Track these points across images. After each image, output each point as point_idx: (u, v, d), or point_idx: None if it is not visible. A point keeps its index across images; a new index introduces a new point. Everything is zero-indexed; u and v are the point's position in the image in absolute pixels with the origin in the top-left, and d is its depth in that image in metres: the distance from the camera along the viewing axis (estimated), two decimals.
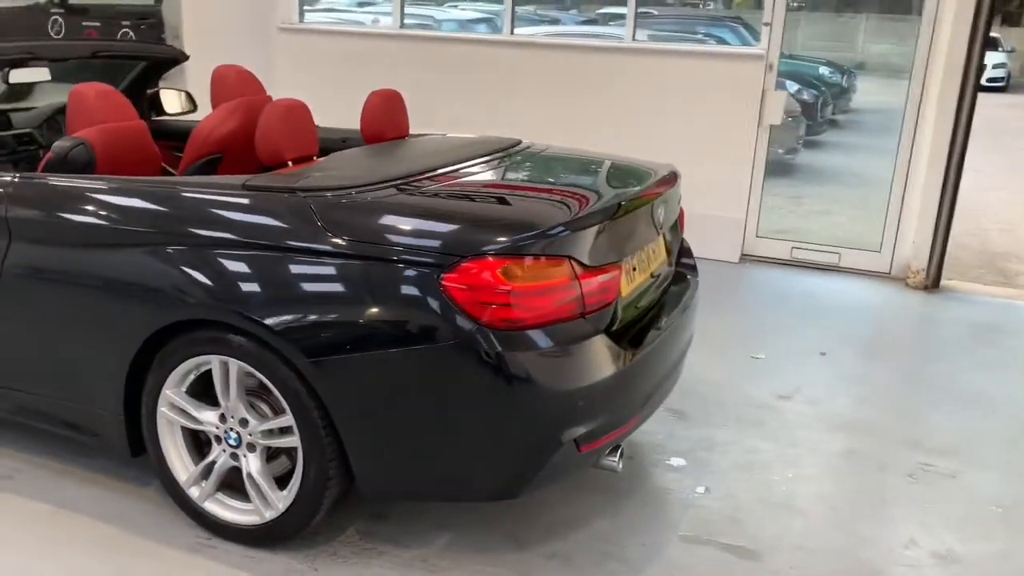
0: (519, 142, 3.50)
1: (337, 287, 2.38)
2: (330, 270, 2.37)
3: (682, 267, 3.34)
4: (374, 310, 2.32)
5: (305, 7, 7.14)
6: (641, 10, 6.19)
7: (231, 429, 2.57)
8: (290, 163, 2.93)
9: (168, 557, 2.58)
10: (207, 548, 2.63)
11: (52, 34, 7.39)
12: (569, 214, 2.50)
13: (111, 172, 2.90)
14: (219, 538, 2.66)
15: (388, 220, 2.43)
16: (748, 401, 3.84)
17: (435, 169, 2.85)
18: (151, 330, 2.53)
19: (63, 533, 2.70)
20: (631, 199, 2.71)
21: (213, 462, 2.63)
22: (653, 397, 2.83)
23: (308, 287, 2.41)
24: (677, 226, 3.26)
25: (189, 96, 4.65)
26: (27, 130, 4.02)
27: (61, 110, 3.99)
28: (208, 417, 2.60)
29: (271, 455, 2.61)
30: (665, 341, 2.83)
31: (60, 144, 2.93)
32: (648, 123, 6.04)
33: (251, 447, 2.57)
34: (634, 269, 2.75)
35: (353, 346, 2.33)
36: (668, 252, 3.13)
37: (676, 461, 3.30)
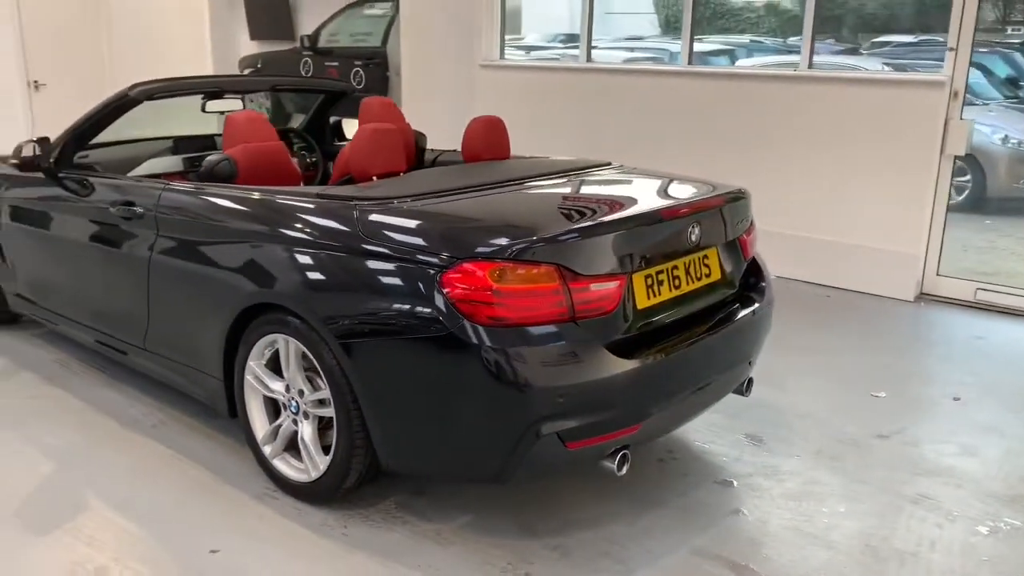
0: (607, 163, 3.73)
1: (365, 281, 2.76)
2: (361, 266, 2.77)
3: (748, 289, 3.35)
4: (390, 303, 2.67)
5: (508, 44, 7.72)
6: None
7: (292, 398, 3.04)
8: (374, 177, 3.39)
9: (238, 500, 3.10)
10: (269, 497, 3.11)
11: (303, 73, 8.62)
12: (561, 226, 2.70)
13: (252, 183, 3.52)
14: (280, 491, 3.13)
15: (410, 225, 2.78)
16: (838, 436, 3.70)
17: (486, 184, 3.16)
18: (238, 309, 3.08)
19: (175, 472, 3.31)
20: (647, 215, 2.85)
21: (280, 425, 3.12)
22: (671, 409, 2.91)
23: (343, 280, 2.81)
24: (737, 246, 3.28)
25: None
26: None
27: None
28: (277, 387, 3.09)
29: (325, 425, 3.04)
30: (690, 357, 2.91)
31: (210, 159, 3.62)
32: (820, 151, 5.89)
33: (306, 415, 3.02)
34: (658, 283, 2.86)
35: (371, 333, 2.71)
36: (721, 272, 3.17)
37: (727, 481, 3.30)
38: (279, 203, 3.11)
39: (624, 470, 2.78)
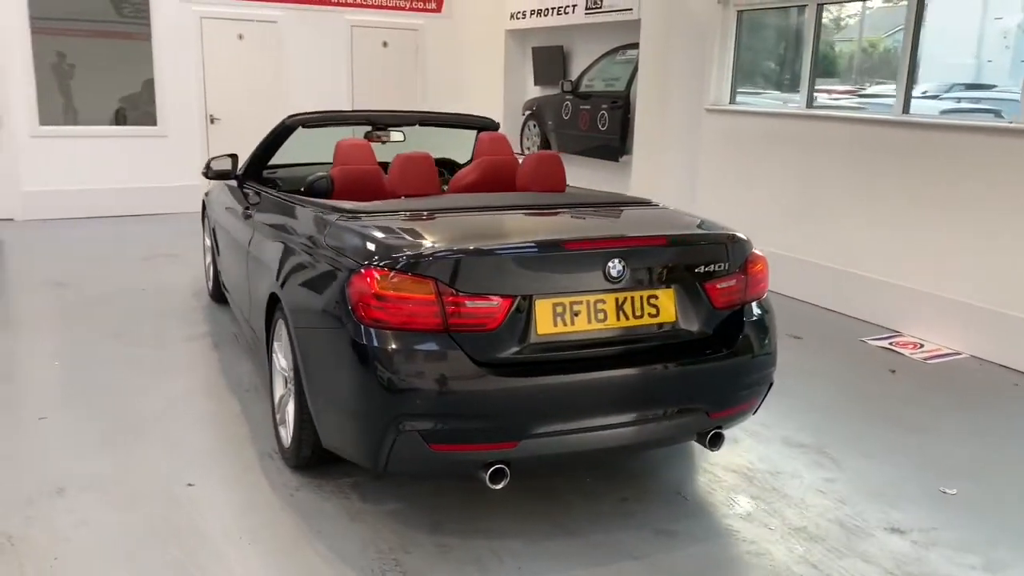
0: (646, 201, 3.80)
1: (315, 277, 3.23)
2: (316, 264, 3.24)
3: (722, 338, 3.20)
4: (322, 299, 3.11)
5: (740, 89, 7.62)
6: None
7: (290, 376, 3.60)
8: (403, 196, 3.84)
9: (243, 456, 3.71)
10: (267, 457, 3.69)
11: (563, 114, 9.29)
12: (443, 246, 2.91)
13: (346, 199, 4.18)
14: (278, 455, 3.69)
15: (353, 235, 3.18)
16: (845, 523, 3.31)
17: (468, 208, 3.46)
18: (266, 297, 3.72)
19: (223, 420, 4.04)
20: (542, 245, 2.97)
21: (283, 396, 3.69)
22: (572, 438, 2.95)
23: (306, 275, 3.31)
24: (701, 292, 3.16)
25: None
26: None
27: (439, 163, 5.47)
28: (284, 364, 3.67)
29: None
30: (593, 389, 2.94)
31: (311, 177, 4.35)
32: None
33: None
34: (573, 313, 2.94)
35: (308, 322, 3.17)
36: (677, 315, 3.10)
37: (666, 530, 3.19)
38: (294, 208, 3.70)
39: (500, 485, 2.89)
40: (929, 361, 5.32)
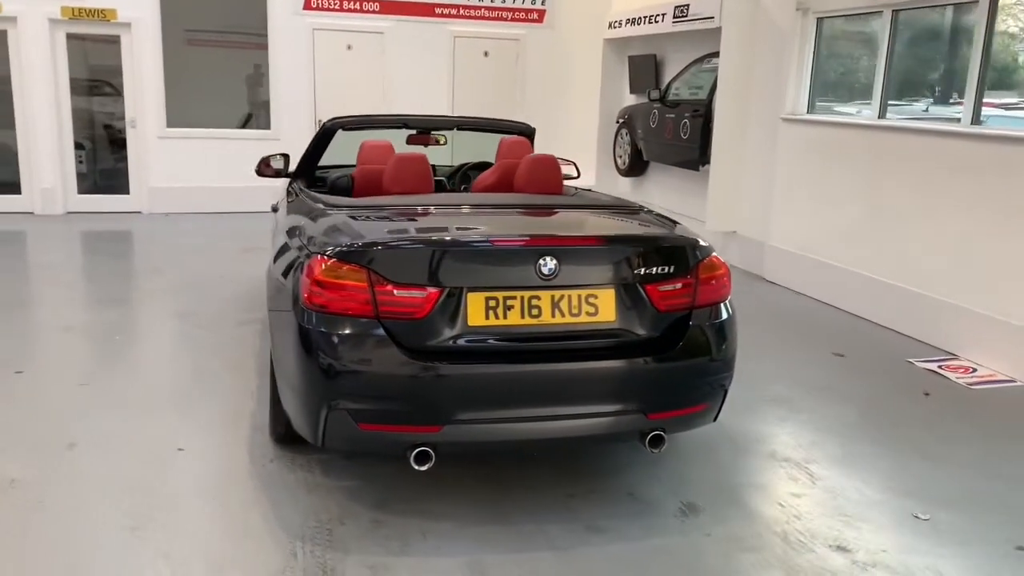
0: (634, 206, 3.87)
1: (286, 265, 3.48)
2: (289, 255, 3.51)
3: (665, 341, 3.23)
4: (288, 283, 3.37)
5: (822, 97, 7.39)
6: None
7: None
8: (397, 194, 4.07)
9: (238, 428, 4.03)
10: (257, 432, 3.97)
11: (650, 123, 9.32)
12: (378, 238, 3.09)
13: (366, 196, 4.46)
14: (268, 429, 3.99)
15: (322, 226, 3.41)
16: (789, 537, 3.25)
17: (439, 205, 3.65)
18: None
19: (230, 403, 4.38)
20: (471, 241, 3.10)
21: None
22: (497, 426, 3.08)
23: (280, 264, 3.57)
24: (643, 294, 3.19)
25: (575, 165, 5.83)
26: (441, 178, 5.86)
27: (475, 166, 5.70)
28: None
29: None
30: (519, 380, 3.06)
31: (334, 175, 4.65)
32: None
33: None
34: (506, 307, 3.06)
35: (276, 304, 3.45)
36: (618, 315, 3.15)
37: (598, 527, 3.24)
38: (304, 204, 3.99)
39: (424, 467, 3.04)
40: (974, 387, 5.01)
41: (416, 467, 3.05)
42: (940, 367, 5.33)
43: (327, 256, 3.07)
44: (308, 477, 3.56)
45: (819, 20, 7.23)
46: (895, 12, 6.35)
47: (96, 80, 10.46)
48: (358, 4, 10.51)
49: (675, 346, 3.22)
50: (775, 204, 7.58)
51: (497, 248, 3.16)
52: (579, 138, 11.36)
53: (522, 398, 3.11)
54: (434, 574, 2.90)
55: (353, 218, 3.44)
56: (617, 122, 10.63)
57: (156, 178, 10.29)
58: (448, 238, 3.23)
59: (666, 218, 3.80)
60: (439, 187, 5.59)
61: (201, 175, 10.36)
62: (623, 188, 11.07)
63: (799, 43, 7.31)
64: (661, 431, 3.25)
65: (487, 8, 10.92)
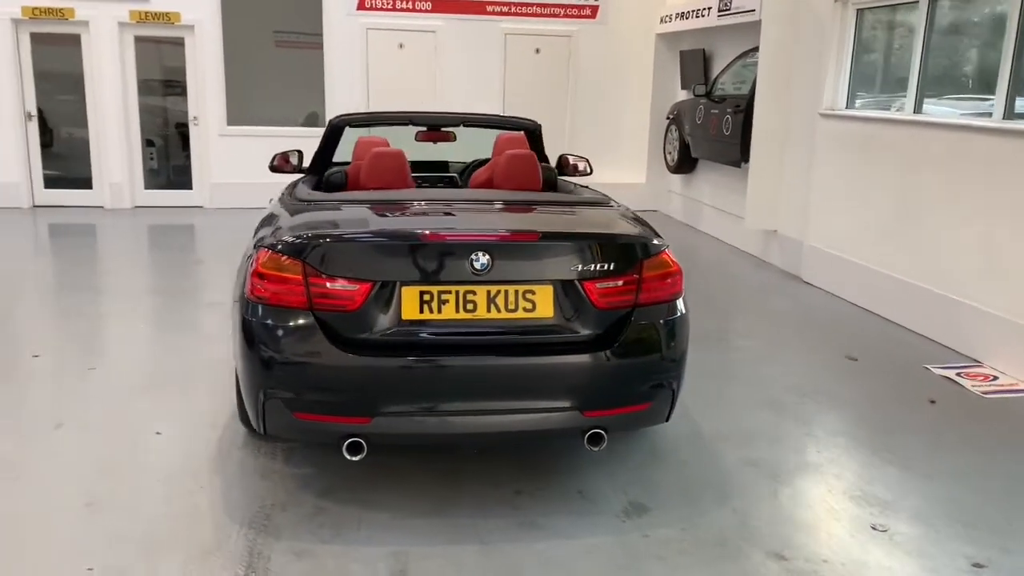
0: (606, 202, 3.85)
1: (245, 258, 3.58)
2: (250, 248, 3.62)
3: (604, 340, 3.19)
4: (240, 275, 3.46)
5: (860, 92, 7.12)
6: None
7: None
8: (372, 189, 4.13)
9: (218, 415, 4.16)
10: (235, 420, 4.06)
11: (696, 119, 9.19)
12: (313, 232, 3.16)
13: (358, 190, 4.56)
14: None
15: (272, 222, 3.50)
16: (728, 542, 3.18)
17: (402, 201, 3.69)
18: None
19: (218, 391, 4.53)
20: (402, 234, 3.16)
21: None
22: (428, 419, 3.12)
23: (244, 255, 3.67)
24: (582, 291, 3.16)
25: (588, 162, 5.79)
26: (453, 174, 5.90)
27: (484, 162, 5.74)
28: None
29: None
30: (449, 375, 3.09)
31: (330, 171, 4.76)
32: None
33: None
34: (441, 302, 3.09)
35: (234, 295, 3.56)
36: (556, 311, 3.14)
37: (532, 523, 3.24)
38: (283, 195, 4.09)
39: (356, 458, 3.10)
40: (988, 395, 4.76)
41: (349, 457, 3.11)
42: (959, 374, 5.08)
43: (267, 248, 3.16)
44: (267, 464, 3.67)
45: (860, 12, 6.96)
46: (932, 2, 6.06)
47: (169, 80, 10.95)
48: (410, 3, 10.66)
49: (613, 344, 3.19)
50: (812, 203, 7.34)
51: (430, 243, 3.19)
52: (632, 135, 11.26)
53: (453, 392, 3.13)
54: (356, 563, 2.96)
55: (304, 212, 3.52)
56: (667, 119, 10.47)
57: (217, 174, 10.70)
58: (380, 232, 3.28)
59: (636, 217, 3.72)
60: (451, 183, 5.66)
61: (260, 171, 10.68)
62: (673, 186, 10.91)
63: (838, 35, 7.05)
64: (602, 429, 3.22)
65: (539, 5, 10.91)
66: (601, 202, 3.94)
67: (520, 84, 11.04)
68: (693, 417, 4.30)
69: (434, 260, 3.15)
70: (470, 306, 3.11)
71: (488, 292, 3.12)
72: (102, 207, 10.57)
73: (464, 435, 3.30)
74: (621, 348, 3.19)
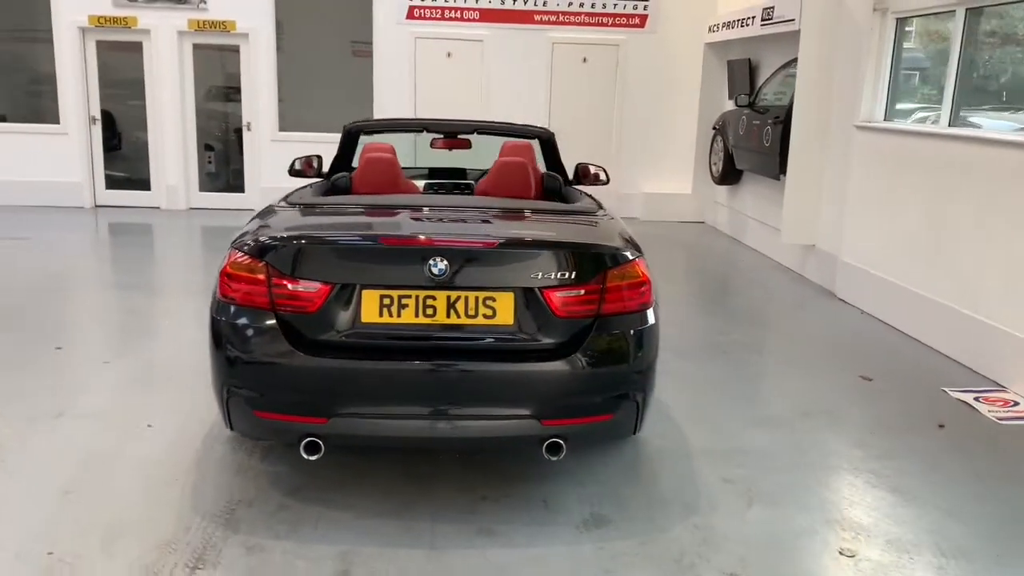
0: (596, 210, 3.85)
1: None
2: None
3: (564, 348, 3.17)
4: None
5: (900, 105, 6.90)
6: None
7: None
8: (365, 194, 4.21)
9: (209, 411, 4.24)
10: None
11: (739, 130, 9.06)
12: (277, 234, 3.22)
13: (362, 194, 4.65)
14: None
15: (256, 222, 3.59)
16: (682, 559, 3.12)
17: (385, 206, 3.74)
18: None
19: None
20: (362, 238, 3.18)
21: None
22: (385, 422, 3.15)
23: None
24: (542, 300, 3.15)
25: (604, 171, 5.77)
26: (469, 181, 5.93)
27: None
28: None
29: None
30: (405, 380, 3.12)
31: (337, 175, 4.85)
32: None
33: None
34: (401, 306, 3.13)
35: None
36: (516, 319, 3.14)
37: (487, 530, 3.24)
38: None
39: (314, 457, 3.16)
40: (1003, 422, 4.55)
41: (306, 456, 3.17)
42: (977, 398, 4.86)
43: (236, 249, 3.25)
44: (244, 460, 3.76)
45: (899, 21, 6.75)
46: (968, 11, 5.84)
47: (231, 87, 11.32)
48: (459, 13, 10.78)
49: (573, 353, 3.16)
50: (847, 218, 7.13)
51: (389, 248, 3.23)
52: (680, 146, 11.14)
53: (410, 396, 3.16)
54: (302, 560, 3.00)
55: (280, 214, 3.60)
56: (713, 129, 10.32)
57: (268, 178, 10.98)
58: (340, 236, 3.33)
59: (619, 228, 3.67)
60: (467, 190, 5.69)
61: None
62: (720, 198, 10.73)
63: (877, 45, 6.85)
64: (561, 439, 3.20)
65: (587, 14, 10.90)
66: (588, 212, 3.91)
67: (567, 93, 11.05)
68: (682, 431, 4.23)
69: (393, 264, 3.19)
70: (430, 311, 3.13)
71: (448, 298, 3.13)
72: (158, 208, 10.97)
73: (421, 439, 3.32)
74: (581, 357, 3.16)
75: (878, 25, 6.84)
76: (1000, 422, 4.54)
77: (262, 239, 3.24)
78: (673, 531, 3.29)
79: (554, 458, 3.23)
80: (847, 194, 7.13)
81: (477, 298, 3.14)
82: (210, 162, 11.54)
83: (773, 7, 8.41)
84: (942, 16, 6.40)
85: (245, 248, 3.22)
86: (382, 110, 10.87)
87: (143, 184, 11.07)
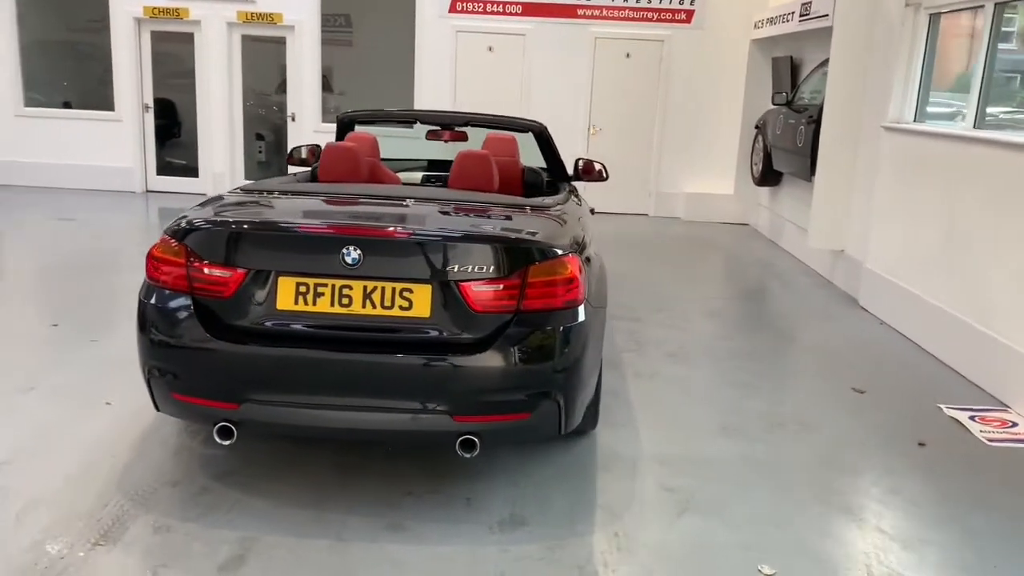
0: (548, 207, 3.82)
1: None
2: None
3: (482, 343, 3.10)
4: None
5: (932, 105, 6.55)
6: None
7: None
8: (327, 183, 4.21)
9: None
10: None
11: (776, 129, 8.77)
12: (197, 217, 3.24)
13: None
14: None
15: (198, 206, 3.61)
16: (585, 570, 3.02)
17: (339, 195, 3.75)
18: None
19: None
20: (276, 225, 3.19)
21: None
22: (293, 410, 3.14)
23: None
24: (457, 293, 3.08)
25: (605, 168, 5.67)
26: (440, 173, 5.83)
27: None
28: None
29: None
30: (312, 368, 3.10)
31: (315, 164, 4.88)
32: None
33: None
34: (317, 294, 3.11)
35: None
36: (433, 311, 3.09)
37: (403, 524, 3.20)
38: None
39: (227, 443, 3.17)
40: (993, 443, 4.26)
41: (219, 441, 3.18)
42: (972, 417, 4.57)
43: (164, 233, 3.29)
44: (186, 441, 3.81)
45: (932, 17, 6.40)
46: (997, 5, 5.49)
47: (283, 78, 11.56)
48: (501, 7, 10.74)
49: (487, 349, 3.09)
50: (873, 223, 6.81)
51: (303, 235, 3.21)
52: (723, 145, 10.86)
53: (322, 385, 3.14)
54: (200, 542, 3.02)
55: (218, 200, 3.62)
56: (755, 128, 10.01)
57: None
58: (255, 222, 3.33)
59: (560, 224, 3.56)
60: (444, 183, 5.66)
61: None
62: (762, 199, 10.40)
63: (908, 43, 6.52)
64: (475, 436, 3.13)
65: (631, 9, 10.71)
66: (540, 207, 3.81)
67: (608, 89, 10.89)
68: (639, 435, 4.11)
69: (309, 252, 3.17)
70: (345, 300, 3.11)
71: (364, 287, 3.10)
72: (205, 194, 11.26)
73: (333, 430, 3.29)
74: (496, 354, 3.09)
75: (910, 20, 6.50)
76: (990, 443, 4.25)
77: (184, 223, 3.27)
78: (590, 538, 3.19)
79: (468, 455, 3.16)
80: (873, 198, 6.81)
81: (394, 289, 3.10)
82: (260, 151, 11.81)
83: (811, 2, 8.10)
84: (979, 10, 6.04)
85: (169, 231, 3.25)
86: (422, 103, 10.92)
87: (192, 171, 11.39)
